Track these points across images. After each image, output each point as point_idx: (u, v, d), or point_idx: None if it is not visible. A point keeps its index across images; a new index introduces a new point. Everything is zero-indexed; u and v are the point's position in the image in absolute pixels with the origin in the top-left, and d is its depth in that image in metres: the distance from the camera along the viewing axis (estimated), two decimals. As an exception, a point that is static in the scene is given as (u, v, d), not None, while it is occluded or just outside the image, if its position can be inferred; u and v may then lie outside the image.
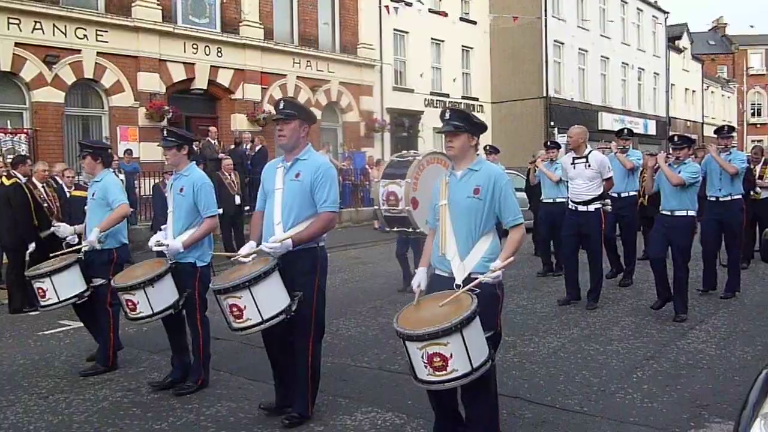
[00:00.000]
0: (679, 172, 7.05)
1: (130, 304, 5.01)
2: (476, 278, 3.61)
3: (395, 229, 7.55)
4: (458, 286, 3.64)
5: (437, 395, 3.81)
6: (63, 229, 6.10)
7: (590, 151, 7.74)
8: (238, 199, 12.43)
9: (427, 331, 3.30)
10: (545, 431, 4.28)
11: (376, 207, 7.62)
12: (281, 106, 4.43)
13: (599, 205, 7.70)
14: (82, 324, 6.48)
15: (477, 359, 3.37)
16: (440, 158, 7.57)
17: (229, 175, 12.64)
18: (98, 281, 5.69)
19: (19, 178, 8.70)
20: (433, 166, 7.54)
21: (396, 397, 4.91)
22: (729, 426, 4.14)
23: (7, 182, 8.66)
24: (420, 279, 3.86)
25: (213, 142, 15.97)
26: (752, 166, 10.55)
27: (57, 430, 4.49)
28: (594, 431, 4.27)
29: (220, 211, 5.73)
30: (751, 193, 10.22)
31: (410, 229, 7.27)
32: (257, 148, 15.81)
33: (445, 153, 7.71)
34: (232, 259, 4.47)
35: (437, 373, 3.34)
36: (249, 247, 4.42)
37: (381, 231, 8.08)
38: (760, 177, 10.55)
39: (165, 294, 5.03)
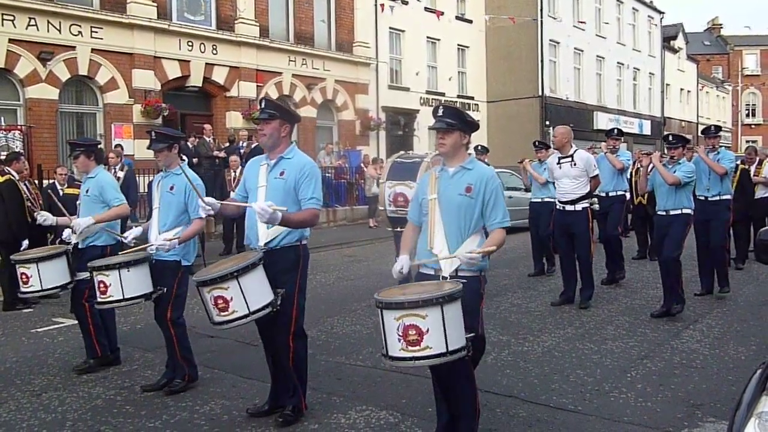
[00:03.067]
0: (674, 172, 7.07)
1: (101, 285, 4.91)
2: (462, 274, 3.63)
3: (399, 229, 7.66)
4: (444, 279, 3.64)
5: (443, 396, 3.80)
6: (45, 217, 5.96)
7: (575, 150, 7.77)
8: (233, 195, 12.40)
9: (408, 299, 3.29)
10: (539, 430, 4.28)
11: (381, 208, 7.66)
12: (262, 105, 4.45)
13: (586, 204, 7.73)
14: (75, 321, 6.45)
15: (453, 343, 3.32)
16: (440, 160, 7.67)
17: (234, 171, 12.68)
18: (83, 275, 5.63)
19: (12, 175, 8.66)
20: (436, 168, 7.66)
21: (391, 396, 4.91)
22: (723, 425, 4.15)
23: (0, 179, 8.62)
24: (403, 263, 3.84)
25: (208, 139, 15.94)
26: (747, 167, 10.60)
27: (50, 428, 4.47)
28: (588, 430, 4.28)
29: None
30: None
31: None
32: (252, 146, 15.78)
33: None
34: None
35: (410, 348, 3.29)
36: (212, 202, 4.37)
37: (392, 230, 8.11)
38: (755, 175, 10.61)
39: (139, 282, 4.95)
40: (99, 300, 5.02)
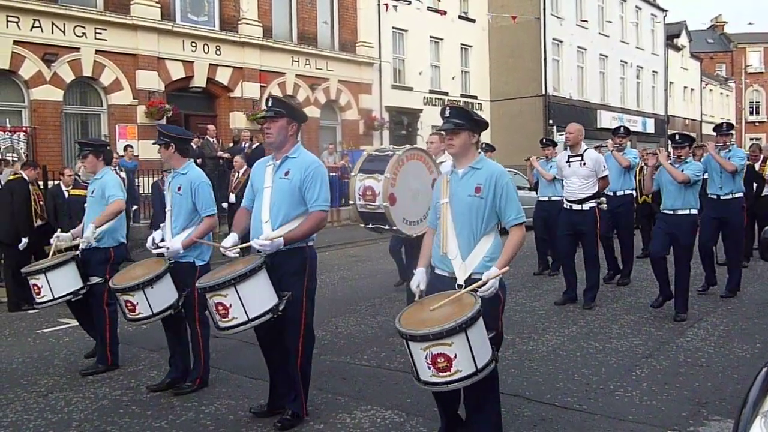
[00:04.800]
0: (683, 171, 7.04)
1: (129, 305, 4.97)
2: (477, 279, 3.60)
3: (370, 225, 7.43)
4: (460, 287, 3.61)
5: (442, 398, 3.81)
6: (62, 238, 5.91)
7: (585, 150, 7.72)
8: (232, 198, 12.43)
9: (432, 331, 3.25)
10: (544, 429, 4.28)
11: (351, 202, 7.42)
12: (269, 104, 4.39)
13: (594, 204, 7.69)
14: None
15: (481, 360, 3.34)
16: (420, 155, 7.50)
17: (237, 172, 12.70)
18: (95, 279, 5.67)
19: (22, 175, 8.83)
20: (413, 162, 7.47)
21: (395, 395, 4.92)
22: (728, 424, 4.15)
23: (11, 177, 8.82)
24: (419, 279, 3.80)
25: (212, 140, 15.96)
26: (752, 164, 10.58)
27: (56, 429, 4.49)
28: (593, 429, 4.28)
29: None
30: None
31: (386, 227, 7.14)
32: (254, 147, 15.81)
33: (425, 149, 7.71)
34: (221, 251, 4.39)
35: (441, 374, 3.30)
36: (231, 238, 4.36)
37: (364, 227, 7.80)
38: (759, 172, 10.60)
39: (164, 294, 5.00)
40: (130, 317, 5.05)
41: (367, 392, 5.05)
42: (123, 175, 11.99)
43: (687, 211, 7.08)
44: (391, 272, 9.82)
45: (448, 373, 3.29)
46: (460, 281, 3.64)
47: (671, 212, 7.16)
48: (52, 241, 5.90)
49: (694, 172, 7.03)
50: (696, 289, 8.22)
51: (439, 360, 3.28)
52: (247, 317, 4.06)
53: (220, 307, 4.06)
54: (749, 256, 10.41)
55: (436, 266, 3.87)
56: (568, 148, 7.85)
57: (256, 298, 4.08)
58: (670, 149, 7.70)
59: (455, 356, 3.27)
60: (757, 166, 10.67)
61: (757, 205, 10.43)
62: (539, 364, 5.64)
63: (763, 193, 10.53)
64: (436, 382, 3.35)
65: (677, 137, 7.34)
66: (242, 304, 4.04)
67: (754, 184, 10.50)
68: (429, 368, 3.32)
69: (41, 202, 9.09)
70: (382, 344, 6.30)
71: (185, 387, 5.12)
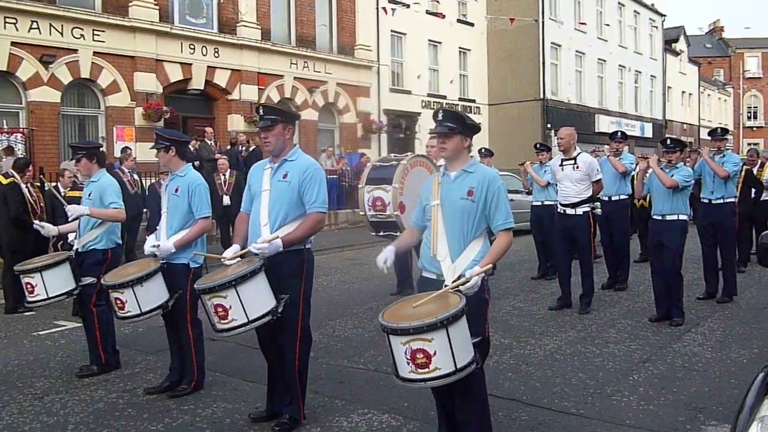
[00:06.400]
0: (672, 176, 7.03)
1: (119, 302, 4.95)
2: (467, 281, 3.60)
3: (381, 233, 7.54)
4: (446, 286, 3.60)
5: (441, 400, 3.80)
6: (47, 229, 6.04)
7: (578, 153, 7.72)
8: (226, 200, 12.43)
9: (412, 325, 3.26)
10: (541, 433, 4.28)
11: (361, 213, 7.53)
12: (261, 112, 4.40)
13: (588, 208, 7.67)
14: (77, 324, 6.47)
15: (461, 359, 3.32)
16: (423, 161, 7.60)
17: (223, 175, 12.67)
18: (87, 280, 5.66)
19: (16, 178, 8.77)
20: (417, 169, 7.58)
21: (392, 399, 4.91)
22: (725, 428, 4.15)
23: (4, 181, 8.74)
24: (386, 255, 3.81)
25: (209, 142, 15.93)
26: (750, 168, 10.60)
27: (52, 431, 4.47)
28: (590, 434, 4.28)
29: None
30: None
31: (397, 233, 7.32)
32: (250, 150, 15.79)
33: (427, 155, 7.75)
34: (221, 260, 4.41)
35: (419, 370, 3.29)
36: (233, 250, 4.36)
37: (375, 235, 7.96)
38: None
39: (154, 294, 4.97)
40: (120, 315, 5.04)
41: (364, 396, 5.04)
42: (136, 177, 11.93)
43: (675, 217, 7.04)
44: (389, 275, 9.79)
45: (427, 369, 3.28)
46: (448, 282, 3.62)
47: (660, 217, 7.14)
48: (36, 226, 6.04)
49: (684, 178, 7.00)
50: (697, 297, 8.21)
51: (418, 356, 3.27)
52: (247, 319, 4.06)
53: (220, 309, 4.06)
54: (747, 261, 10.43)
55: (425, 268, 3.86)
56: (561, 152, 7.85)
57: (256, 299, 4.08)
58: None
59: (434, 353, 3.26)
60: (755, 171, 10.68)
61: (755, 209, 10.44)
62: (536, 368, 5.64)
63: (762, 198, 10.54)
64: (415, 379, 3.34)
65: (668, 142, 7.33)
66: (242, 305, 4.04)
67: (753, 189, 10.51)
68: (408, 364, 3.31)
69: (41, 204, 9.07)
70: (379, 347, 6.29)
71: (181, 389, 5.10)
